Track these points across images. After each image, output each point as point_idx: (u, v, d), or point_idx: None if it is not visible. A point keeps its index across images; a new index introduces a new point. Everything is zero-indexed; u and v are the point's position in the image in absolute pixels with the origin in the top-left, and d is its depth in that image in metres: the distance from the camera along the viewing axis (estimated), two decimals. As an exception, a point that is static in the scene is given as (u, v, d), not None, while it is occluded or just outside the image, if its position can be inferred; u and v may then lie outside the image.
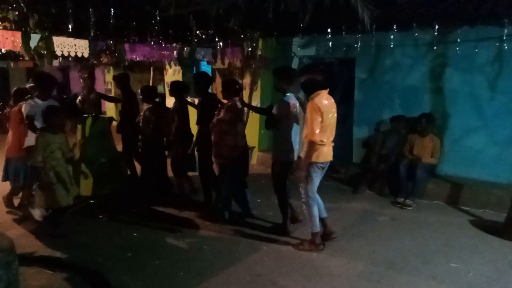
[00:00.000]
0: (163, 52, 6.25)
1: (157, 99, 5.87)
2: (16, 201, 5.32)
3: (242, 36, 6.63)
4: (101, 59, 6.85)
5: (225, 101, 4.84)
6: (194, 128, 5.66)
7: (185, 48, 6.38)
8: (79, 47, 5.13)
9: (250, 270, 3.73)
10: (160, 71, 9.62)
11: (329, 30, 6.27)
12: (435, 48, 5.92)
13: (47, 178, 4.17)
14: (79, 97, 6.39)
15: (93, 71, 7.90)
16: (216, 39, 6.64)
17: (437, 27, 5.66)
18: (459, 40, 5.63)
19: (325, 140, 3.95)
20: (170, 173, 5.86)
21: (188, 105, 5.71)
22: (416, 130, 5.83)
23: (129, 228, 4.72)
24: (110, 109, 12.54)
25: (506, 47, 5.39)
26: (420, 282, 3.55)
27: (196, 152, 5.27)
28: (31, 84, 5.71)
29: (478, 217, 5.15)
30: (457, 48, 5.67)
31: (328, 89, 4.03)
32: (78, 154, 5.62)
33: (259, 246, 4.24)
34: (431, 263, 3.90)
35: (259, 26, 6.38)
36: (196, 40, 6.48)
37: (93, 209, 5.27)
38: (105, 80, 12.96)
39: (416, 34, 5.93)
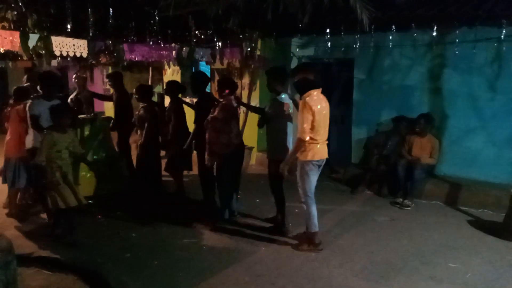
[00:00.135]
0: (162, 52, 6.24)
1: (153, 98, 5.88)
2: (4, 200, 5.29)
3: (241, 36, 6.62)
4: (100, 59, 6.83)
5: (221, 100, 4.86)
6: (191, 128, 5.68)
7: (184, 48, 6.37)
8: (77, 47, 5.11)
9: (249, 271, 3.74)
10: (159, 71, 9.62)
11: (328, 30, 6.27)
12: (433, 48, 5.94)
13: (52, 178, 4.09)
14: (71, 96, 6.38)
15: (84, 70, 7.90)
16: (215, 39, 6.63)
17: (435, 27, 5.67)
18: (457, 40, 5.64)
19: (318, 138, 3.99)
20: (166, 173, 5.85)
21: (183, 105, 5.70)
22: (414, 130, 5.84)
23: (128, 228, 4.71)
24: (109, 109, 12.51)
25: (504, 48, 5.41)
26: (419, 282, 3.56)
27: (194, 152, 5.28)
28: (28, 83, 5.69)
29: (476, 217, 5.16)
30: (456, 49, 5.68)
31: (320, 89, 4.07)
32: None
33: (258, 246, 4.24)
34: (429, 263, 3.91)
35: (258, 26, 6.38)
36: (195, 40, 6.47)
37: (92, 209, 5.26)
38: (104, 80, 12.94)
39: (415, 34, 5.94)
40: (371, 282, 3.54)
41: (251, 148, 7.29)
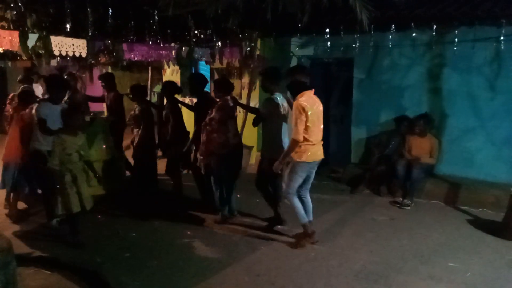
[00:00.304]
0: (161, 52, 6.24)
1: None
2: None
3: (240, 36, 6.63)
4: (99, 59, 6.83)
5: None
6: (188, 128, 5.69)
7: (183, 48, 6.37)
8: (77, 46, 5.11)
9: (248, 270, 3.73)
10: (158, 71, 9.61)
11: (327, 30, 6.27)
12: (433, 48, 5.95)
13: (62, 182, 4.02)
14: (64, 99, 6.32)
15: (84, 70, 7.88)
16: (215, 39, 6.63)
17: (435, 27, 5.68)
18: (457, 40, 5.65)
19: (313, 140, 4.03)
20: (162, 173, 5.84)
21: (180, 105, 5.71)
22: (414, 131, 5.84)
23: (127, 228, 4.71)
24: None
25: (503, 48, 5.41)
26: (418, 282, 3.56)
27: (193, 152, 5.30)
28: (22, 83, 5.68)
29: (476, 216, 5.16)
30: (455, 49, 5.68)
31: (313, 90, 4.13)
32: None
33: (258, 246, 4.24)
34: (429, 262, 3.91)
35: (258, 26, 6.37)
36: (194, 40, 6.47)
37: (91, 209, 5.24)
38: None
39: (414, 34, 5.95)
40: (371, 282, 3.54)
41: (250, 148, 7.29)
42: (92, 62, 7.45)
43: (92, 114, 6.27)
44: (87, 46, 5.20)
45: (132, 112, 5.66)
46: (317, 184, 6.52)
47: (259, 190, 4.73)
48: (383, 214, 5.21)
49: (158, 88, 10.37)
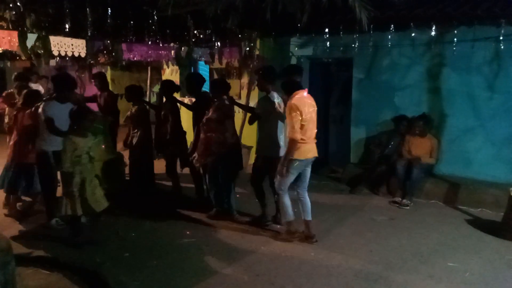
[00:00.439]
0: (160, 52, 6.24)
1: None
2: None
3: (240, 36, 6.63)
4: (98, 59, 6.83)
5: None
6: (185, 127, 5.70)
7: (182, 48, 6.37)
8: (76, 46, 5.10)
9: (248, 270, 3.73)
10: (157, 71, 9.60)
11: (326, 30, 6.27)
12: (432, 48, 5.94)
13: (71, 184, 3.98)
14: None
15: (83, 70, 7.86)
16: (214, 39, 6.63)
17: (434, 27, 5.68)
18: (456, 40, 5.65)
19: (306, 138, 4.09)
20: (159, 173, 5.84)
21: (179, 105, 5.71)
22: (414, 131, 5.83)
23: (127, 228, 4.71)
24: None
25: (503, 47, 5.41)
26: (418, 282, 3.56)
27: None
28: (17, 82, 5.64)
29: (475, 216, 5.16)
30: (454, 48, 5.69)
31: (306, 89, 4.22)
32: None
33: (258, 246, 4.24)
34: (428, 262, 3.91)
35: (257, 26, 6.37)
36: (193, 40, 6.47)
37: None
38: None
39: (414, 34, 5.95)
40: (370, 282, 3.54)
41: (250, 148, 7.28)
42: (91, 62, 7.44)
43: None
44: (86, 46, 5.20)
45: (129, 113, 5.65)
46: (317, 184, 6.54)
47: (252, 186, 4.81)
48: (383, 214, 5.21)
49: (157, 88, 10.36)
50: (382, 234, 4.59)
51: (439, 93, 6.04)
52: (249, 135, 7.10)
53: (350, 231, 4.67)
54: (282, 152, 4.40)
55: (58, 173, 4.50)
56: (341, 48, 6.47)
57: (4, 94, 5.93)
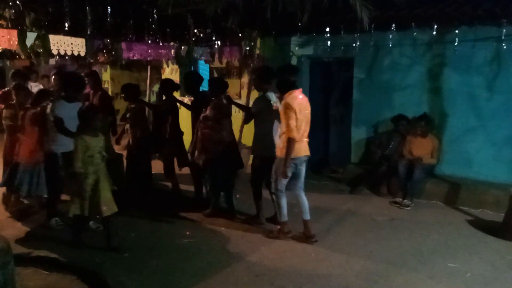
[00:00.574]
0: (160, 51, 6.22)
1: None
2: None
3: (240, 35, 6.61)
4: (98, 58, 6.80)
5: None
6: (183, 127, 5.69)
7: (182, 47, 6.35)
8: (75, 45, 5.08)
9: (248, 270, 3.72)
10: (157, 70, 9.59)
11: (327, 29, 6.25)
12: (433, 48, 5.93)
13: (84, 184, 3.90)
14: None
15: (83, 69, 7.82)
16: (214, 38, 6.62)
17: (435, 27, 5.66)
18: (457, 40, 5.63)
19: (298, 137, 4.12)
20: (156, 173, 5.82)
21: (178, 104, 5.70)
22: (415, 131, 5.82)
23: (126, 228, 4.69)
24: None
25: (504, 47, 5.40)
26: (418, 282, 3.55)
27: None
28: (15, 81, 5.60)
29: (476, 217, 5.16)
30: (455, 48, 5.67)
31: (300, 89, 4.27)
32: None
33: (258, 246, 4.23)
34: (428, 263, 3.90)
35: (257, 25, 6.36)
36: (193, 39, 6.45)
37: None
38: (102, 79, 12.90)
39: (415, 34, 5.93)
40: (371, 282, 3.53)
41: (249, 147, 7.28)
42: (91, 61, 7.42)
43: None
44: (86, 45, 5.18)
45: (126, 112, 5.62)
46: (317, 184, 6.55)
47: (252, 187, 4.82)
48: (383, 214, 5.20)
49: (157, 87, 10.35)
50: (382, 234, 4.58)
51: (440, 93, 6.03)
52: (249, 135, 7.09)
53: (351, 231, 4.66)
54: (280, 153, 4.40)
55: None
56: (342, 48, 6.45)
57: (0, 93, 5.91)
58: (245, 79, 7.49)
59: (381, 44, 6.24)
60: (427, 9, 5.77)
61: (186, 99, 7.03)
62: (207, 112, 4.79)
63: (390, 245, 4.29)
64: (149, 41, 5.97)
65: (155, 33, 5.97)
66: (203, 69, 8.69)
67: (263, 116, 4.57)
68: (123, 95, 5.63)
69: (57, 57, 6.68)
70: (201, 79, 5.56)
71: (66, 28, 5.00)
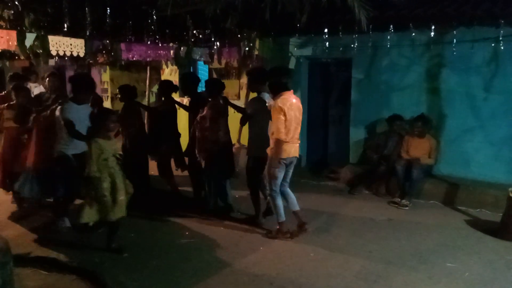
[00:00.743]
0: (159, 52, 6.23)
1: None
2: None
3: (239, 36, 6.62)
4: (97, 58, 6.80)
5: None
6: (181, 129, 5.70)
7: (181, 48, 6.36)
8: (74, 46, 5.09)
9: (247, 271, 3.73)
10: (156, 71, 9.59)
11: (326, 30, 6.27)
12: (432, 48, 5.94)
13: (101, 189, 3.82)
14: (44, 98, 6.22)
15: (82, 69, 7.81)
16: (213, 39, 6.63)
17: (434, 27, 5.68)
18: (455, 40, 5.65)
19: (287, 138, 4.18)
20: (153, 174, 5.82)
21: (176, 105, 5.71)
22: (413, 132, 5.84)
23: (126, 228, 4.68)
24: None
25: (502, 48, 5.41)
26: (417, 282, 3.55)
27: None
28: (18, 84, 5.59)
29: (474, 217, 5.17)
30: (454, 49, 5.68)
31: (291, 90, 4.34)
32: None
33: (257, 246, 4.24)
34: (427, 263, 3.91)
35: (256, 26, 6.36)
36: (192, 39, 6.46)
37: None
38: (101, 80, 12.89)
39: (413, 34, 5.94)
40: (370, 282, 3.54)
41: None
42: (90, 62, 7.42)
43: None
44: (85, 46, 5.18)
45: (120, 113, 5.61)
46: (316, 184, 6.56)
47: (248, 187, 4.86)
48: (382, 215, 5.21)
49: (156, 88, 10.35)
50: (381, 234, 4.59)
51: (438, 93, 6.04)
52: (246, 136, 7.10)
53: (350, 231, 4.67)
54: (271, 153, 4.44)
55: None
56: (341, 48, 6.46)
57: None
58: (244, 79, 7.49)
59: (379, 44, 6.26)
60: (426, 9, 5.78)
61: (186, 100, 7.04)
62: (204, 112, 4.84)
63: (389, 245, 4.29)
64: (148, 42, 5.98)
65: (154, 34, 5.97)
66: (202, 70, 8.70)
67: (258, 117, 4.60)
68: (119, 96, 5.62)
69: (57, 58, 6.67)
70: (198, 80, 5.59)
71: (65, 29, 5.00)
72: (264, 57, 7.04)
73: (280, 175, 4.31)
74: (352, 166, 6.66)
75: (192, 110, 5.28)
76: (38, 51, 4.96)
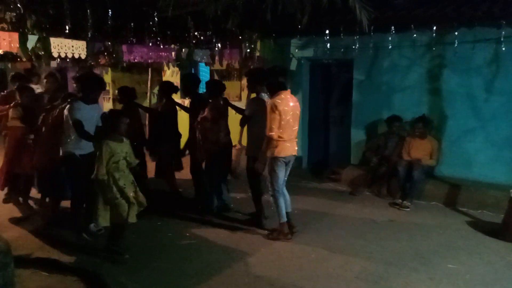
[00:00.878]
0: (161, 53, 6.24)
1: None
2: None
3: (240, 37, 6.63)
4: (99, 60, 6.82)
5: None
6: (182, 130, 5.71)
7: (183, 50, 6.37)
8: (76, 48, 5.10)
9: (248, 272, 3.73)
10: (158, 72, 9.61)
11: (327, 31, 6.28)
12: (432, 49, 5.94)
13: (112, 192, 3.74)
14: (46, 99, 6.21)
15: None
16: (214, 40, 6.64)
17: (434, 28, 5.68)
18: (456, 41, 5.64)
19: (285, 137, 4.22)
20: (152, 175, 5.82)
21: (176, 106, 5.72)
22: (414, 133, 5.83)
23: (127, 228, 4.69)
24: (105, 109, 12.50)
25: (503, 48, 5.41)
26: (418, 283, 3.55)
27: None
28: (22, 84, 5.60)
29: (475, 218, 5.15)
30: (455, 49, 5.68)
31: (289, 90, 4.40)
32: None
33: (258, 247, 4.24)
34: (428, 264, 3.90)
35: (257, 27, 6.37)
36: (194, 41, 6.47)
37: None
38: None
39: (414, 35, 5.95)
40: (370, 283, 3.54)
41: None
42: (92, 63, 7.43)
43: None
44: (86, 48, 5.19)
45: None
46: (317, 185, 6.56)
47: (250, 188, 4.90)
48: (383, 216, 5.21)
49: (156, 90, 10.37)
50: (382, 235, 4.59)
51: (439, 94, 6.03)
52: (245, 136, 7.10)
53: (351, 232, 4.66)
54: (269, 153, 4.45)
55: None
56: (342, 49, 6.46)
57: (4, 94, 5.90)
58: (245, 81, 7.50)
59: (380, 45, 6.26)
60: (426, 10, 5.78)
61: (187, 102, 7.06)
62: (205, 113, 4.86)
63: (390, 246, 4.29)
64: (150, 44, 5.99)
65: (155, 35, 5.99)
66: (204, 71, 8.71)
67: (257, 117, 4.60)
68: (118, 97, 5.64)
69: (58, 59, 6.69)
70: (198, 81, 5.60)
71: (67, 31, 5.02)
72: (265, 58, 7.05)
73: (281, 174, 4.34)
74: (353, 167, 6.66)
75: (192, 111, 5.29)
76: (40, 53, 4.96)
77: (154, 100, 9.91)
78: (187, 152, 5.72)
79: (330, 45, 6.46)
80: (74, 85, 6.24)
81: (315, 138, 7.52)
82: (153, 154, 5.74)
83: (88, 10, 5.10)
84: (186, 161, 5.89)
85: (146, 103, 8.66)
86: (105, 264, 3.84)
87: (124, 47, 5.70)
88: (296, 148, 4.44)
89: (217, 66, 7.50)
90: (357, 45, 6.25)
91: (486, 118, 5.70)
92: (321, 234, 4.57)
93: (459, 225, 4.91)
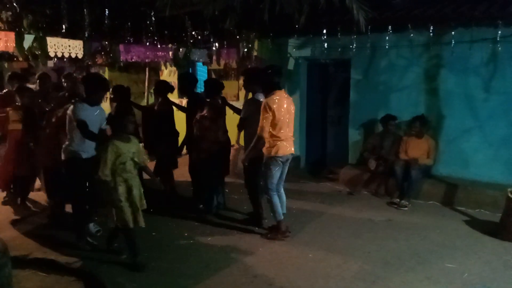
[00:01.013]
0: (158, 53, 6.23)
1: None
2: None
3: (237, 37, 6.63)
4: (96, 60, 6.80)
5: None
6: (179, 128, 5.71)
7: (180, 49, 6.36)
8: (73, 47, 5.09)
9: (246, 272, 3.73)
10: (155, 72, 9.59)
11: (324, 31, 6.28)
12: (430, 49, 5.95)
13: (116, 194, 3.64)
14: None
15: (81, 71, 7.78)
16: (212, 40, 6.63)
17: (432, 28, 5.69)
18: (454, 41, 5.65)
19: (281, 136, 4.23)
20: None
21: (173, 105, 5.72)
22: (411, 132, 5.84)
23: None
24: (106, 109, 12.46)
25: (500, 48, 5.43)
26: (415, 283, 3.56)
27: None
28: (21, 85, 5.58)
29: (473, 217, 5.17)
30: (452, 50, 5.69)
31: (283, 89, 4.41)
32: None
33: (256, 247, 4.24)
34: (426, 263, 3.91)
35: (255, 27, 6.38)
36: (191, 41, 6.46)
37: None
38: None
39: (411, 35, 5.96)
40: (368, 283, 3.54)
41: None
42: (89, 63, 7.41)
43: None
44: (83, 47, 5.18)
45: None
46: (315, 185, 6.56)
47: (247, 188, 4.91)
48: (381, 215, 5.22)
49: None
50: (380, 235, 4.59)
51: (437, 94, 6.05)
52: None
53: (348, 232, 4.67)
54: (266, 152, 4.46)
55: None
56: (339, 49, 6.47)
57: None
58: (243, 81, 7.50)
59: (378, 45, 6.27)
60: (424, 10, 5.80)
61: (184, 102, 7.05)
62: (204, 112, 4.86)
63: (388, 246, 4.30)
64: (147, 43, 5.98)
65: (153, 35, 5.98)
66: (201, 71, 8.71)
67: (253, 118, 4.57)
68: (112, 96, 5.61)
69: (55, 59, 6.67)
70: (195, 80, 5.61)
71: (64, 30, 5.00)
72: (263, 58, 7.05)
73: (277, 174, 4.34)
74: (351, 167, 6.66)
75: (189, 110, 5.30)
76: (37, 53, 4.95)
77: (152, 100, 9.90)
78: (184, 151, 5.73)
79: (327, 45, 6.47)
80: (65, 84, 6.21)
81: (312, 137, 7.53)
82: (151, 154, 5.73)
83: (85, 10, 5.09)
84: (182, 160, 5.90)
85: (143, 103, 8.64)
86: (103, 264, 3.83)
87: (122, 47, 5.69)
88: (293, 146, 4.44)
89: (214, 65, 7.49)
90: (355, 45, 6.26)
91: (483, 118, 5.71)
92: (319, 234, 4.57)
93: (456, 224, 4.93)
